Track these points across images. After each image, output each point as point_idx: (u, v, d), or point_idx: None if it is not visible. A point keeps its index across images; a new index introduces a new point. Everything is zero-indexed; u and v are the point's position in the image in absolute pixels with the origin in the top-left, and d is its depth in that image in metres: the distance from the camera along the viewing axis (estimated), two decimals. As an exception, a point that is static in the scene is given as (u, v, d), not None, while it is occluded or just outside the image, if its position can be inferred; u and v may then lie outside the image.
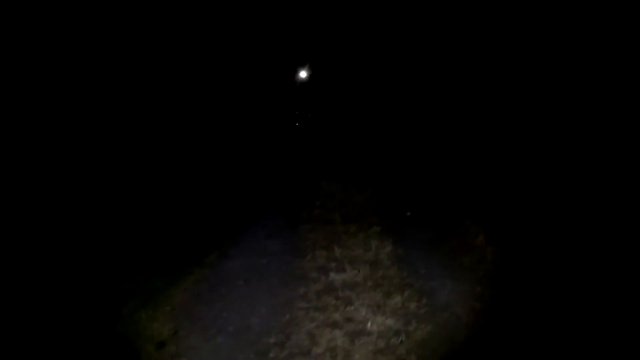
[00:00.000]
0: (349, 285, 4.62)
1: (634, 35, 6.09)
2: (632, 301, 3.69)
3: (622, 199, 5.39)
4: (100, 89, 8.32)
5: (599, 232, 5.12)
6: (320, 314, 4.07)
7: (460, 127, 10.62)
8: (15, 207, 5.65)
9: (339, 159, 12.45)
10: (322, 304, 4.25)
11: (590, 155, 6.41)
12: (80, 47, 8.04)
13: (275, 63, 16.12)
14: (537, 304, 4.07)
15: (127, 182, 7.75)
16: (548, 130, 7.54)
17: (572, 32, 7.28)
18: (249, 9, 13.64)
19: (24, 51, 6.92)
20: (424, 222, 6.83)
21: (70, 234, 5.70)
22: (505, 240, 5.52)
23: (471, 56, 10.55)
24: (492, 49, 9.63)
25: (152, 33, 9.77)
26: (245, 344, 3.71)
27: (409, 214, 7.19)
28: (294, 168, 12.27)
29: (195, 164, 9.95)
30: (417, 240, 5.99)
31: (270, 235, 6.56)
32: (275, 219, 7.41)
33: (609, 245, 4.83)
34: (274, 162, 12.57)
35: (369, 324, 3.84)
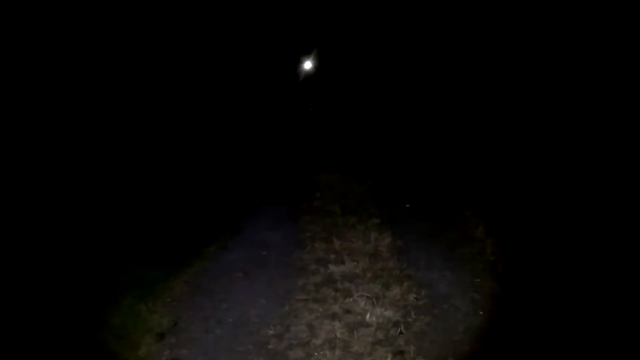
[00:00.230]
0: (348, 277, 4.63)
1: (634, 35, 6.05)
2: (631, 295, 3.69)
3: (622, 190, 5.38)
4: (98, 81, 8.27)
5: (598, 224, 5.12)
6: (320, 305, 4.08)
7: (459, 118, 10.59)
8: (14, 200, 5.64)
9: (338, 150, 12.42)
10: (321, 296, 4.25)
11: (590, 147, 6.39)
12: (80, 47, 8.00)
13: (272, 55, 16.02)
14: (537, 295, 4.08)
15: (126, 174, 7.74)
16: (547, 122, 7.52)
17: (572, 31, 7.24)
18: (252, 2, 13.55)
19: (23, 51, 6.89)
20: (424, 213, 6.83)
21: (69, 226, 5.70)
22: (504, 232, 5.52)
23: (468, 47, 10.49)
24: (493, 43, 9.57)
25: (150, 24, 9.70)
26: (244, 335, 3.73)
27: (408, 205, 7.20)
28: (294, 159, 12.24)
29: (195, 156, 9.93)
30: (416, 231, 6.00)
31: (270, 226, 6.57)
32: (275, 211, 7.41)
33: (608, 237, 4.83)
34: (274, 154, 12.54)
35: (368, 316, 3.85)
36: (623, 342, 3.27)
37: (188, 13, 11.04)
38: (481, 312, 3.90)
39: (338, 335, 3.60)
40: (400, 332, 3.62)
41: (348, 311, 3.97)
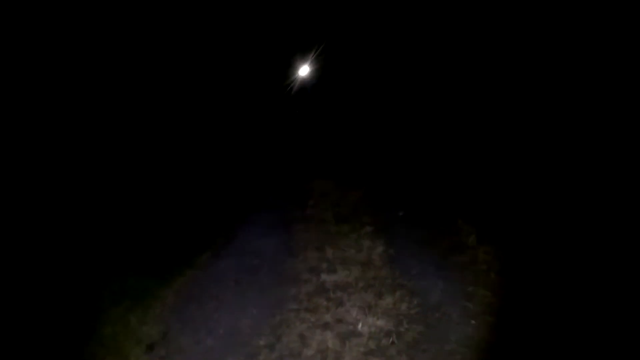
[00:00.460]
0: (340, 286, 4.61)
1: (634, 35, 6.07)
2: (627, 303, 3.70)
3: (615, 201, 5.41)
4: (88, 89, 8.22)
5: (591, 232, 5.14)
6: (311, 315, 4.05)
7: (452, 127, 10.64)
8: (6, 208, 5.58)
9: (332, 157, 12.42)
10: (313, 305, 4.23)
11: (581, 155, 6.43)
12: (80, 47, 7.97)
13: (265, 62, 16.05)
14: (529, 303, 4.08)
15: (117, 182, 7.69)
16: (539, 129, 7.56)
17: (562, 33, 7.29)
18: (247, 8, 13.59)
19: (23, 51, 6.85)
20: (417, 221, 6.82)
21: (60, 234, 5.65)
22: (497, 240, 5.53)
23: (463, 56, 10.57)
24: (482, 51, 9.65)
25: (149, 30, 9.69)
26: (235, 345, 3.69)
27: (401, 213, 7.19)
28: (287, 167, 12.23)
29: (186, 164, 9.89)
30: (409, 239, 5.99)
31: (262, 235, 6.53)
32: (268, 219, 7.37)
33: (601, 245, 4.85)
34: (267, 161, 12.53)
35: (359, 325, 3.83)
36: (617, 350, 3.28)
37: (179, 26, 11.05)
38: (473, 321, 3.89)
39: (330, 345, 3.58)
40: (392, 342, 3.60)
41: (340, 321, 3.95)
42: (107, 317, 4.19)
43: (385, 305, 4.18)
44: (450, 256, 5.38)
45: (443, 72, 11.58)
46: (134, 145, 8.94)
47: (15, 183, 6.03)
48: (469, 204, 6.95)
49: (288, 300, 4.40)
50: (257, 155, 12.73)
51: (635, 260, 4.25)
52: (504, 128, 8.62)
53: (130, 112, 9.22)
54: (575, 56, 7.11)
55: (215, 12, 11.94)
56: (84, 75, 8.19)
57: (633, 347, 3.31)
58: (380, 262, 5.22)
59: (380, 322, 3.87)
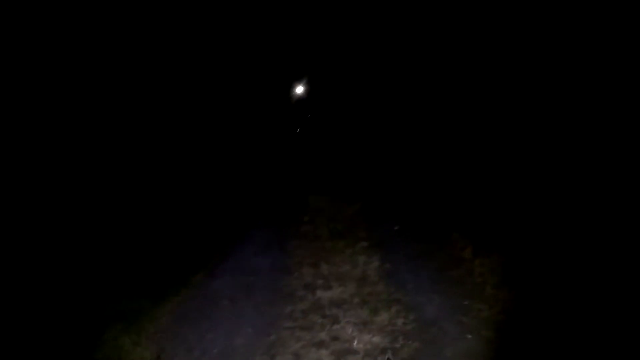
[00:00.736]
0: (336, 302, 4.58)
1: (634, 35, 6.09)
2: (623, 316, 3.68)
3: (607, 211, 5.43)
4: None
5: (587, 244, 5.14)
6: (306, 333, 4.02)
7: (447, 140, 10.70)
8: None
9: (327, 173, 12.46)
10: (309, 323, 4.20)
11: (575, 169, 6.46)
12: (80, 49, 8.02)
13: (262, 80, 16.20)
14: (525, 316, 4.06)
15: (110, 200, 7.66)
16: (534, 143, 7.61)
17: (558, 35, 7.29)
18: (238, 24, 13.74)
19: (24, 51, 6.88)
20: (412, 235, 6.82)
21: (52, 255, 5.61)
22: (492, 252, 5.52)
23: (455, 72, 10.69)
24: (475, 68, 9.78)
25: (144, 50, 9.78)
26: (229, 366, 3.65)
27: (397, 227, 7.18)
28: (283, 183, 12.24)
29: (180, 182, 9.88)
30: (404, 254, 5.97)
31: (257, 252, 6.51)
32: (263, 236, 7.36)
33: (597, 256, 4.85)
34: (262, 177, 12.54)
35: (355, 343, 3.80)
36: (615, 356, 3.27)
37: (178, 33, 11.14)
38: (469, 336, 3.86)
39: (325, 363, 3.54)
40: (388, 359, 3.57)
41: (335, 338, 3.91)
42: (100, 340, 4.14)
43: (381, 321, 4.15)
44: (446, 270, 5.37)
45: (435, 88, 11.70)
46: (129, 162, 8.94)
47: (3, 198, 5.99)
48: (464, 217, 6.95)
49: (283, 318, 4.37)
50: (252, 172, 12.74)
51: (632, 272, 4.25)
52: (499, 140, 8.68)
53: (126, 130, 9.24)
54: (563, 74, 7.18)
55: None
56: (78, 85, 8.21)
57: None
58: (375, 277, 5.20)
59: (375, 339, 3.84)
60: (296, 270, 5.59)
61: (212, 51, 12.80)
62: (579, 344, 3.51)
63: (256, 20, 14.02)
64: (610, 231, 5.08)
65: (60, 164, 7.26)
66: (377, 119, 15.13)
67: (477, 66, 9.77)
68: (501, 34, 8.53)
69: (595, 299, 4.05)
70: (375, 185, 10.46)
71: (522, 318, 4.01)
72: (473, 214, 7.07)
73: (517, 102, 8.36)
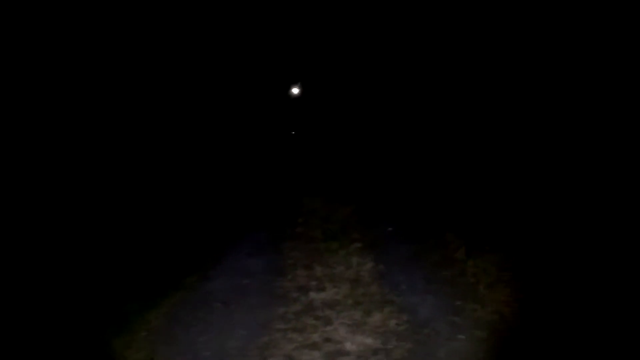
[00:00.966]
0: (329, 304, 4.57)
1: (634, 35, 6.11)
2: (615, 317, 3.69)
3: (599, 214, 5.46)
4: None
5: (578, 243, 5.17)
6: (299, 335, 4.00)
7: (439, 141, 10.73)
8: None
9: (321, 174, 12.46)
10: (301, 325, 4.18)
11: (567, 170, 6.50)
12: (80, 50, 7.98)
13: (256, 81, 16.19)
14: (518, 317, 4.07)
15: (102, 202, 7.62)
16: (525, 144, 7.65)
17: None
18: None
19: (24, 52, 6.84)
20: (406, 235, 6.83)
21: (41, 256, 5.57)
22: (485, 253, 5.54)
23: (449, 76, 10.74)
24: (470, 74, 9.82)
25: (137, 59, 9.76)
26: (221, 369, 3.63)
27: (390, 228, 7.19)
28: (277, 184, 12.22)
29: (174, 184, 9.84)
30: (398, 255, 5.98)
31: (251, 254, 6.49)
32: (257, 237, 7.35)
33: (587, 254, 4.87)
34: (256, 179, 12.52)
35: (348, 344, 3.79)
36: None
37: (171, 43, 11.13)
38: (462, 336, 3.86)
39: (317, 365, 3.53)
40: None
41: (328, 340, 3.90)
42: (91, 341, 4.11)
43: (374, 322, 4.14)
44: (439, 270, 5.38)
45: (426, 91, 11.74)
46: (122, 164, 8.90)
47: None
48: (457, 217, 6.97)
49: (276, 320, 4.35)
50: (247, 174, 12.72)
51: (627, 274, 4.28)
52: (492, 141, 8.72)
53: (118, 131, 9.20)
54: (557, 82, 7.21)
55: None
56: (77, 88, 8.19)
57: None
58: (369, 278, 5.20)
59: (368, 340, 3.83)
60: (290, 271, 5.59)
61: (204, 54, 12.78)
62: (572, 343, 3.52)
63: (247, 22, 14.02)
64: (601, 232, 5.11)
65: (50, 165, 7.22)
66: (370, 120, 15.16)
67: (467, 70, 9.82)
68: (487, 33, 8.56)
69: (588, 298, 4.06)
70: (369, 186, 10.47)
71: (515, 318, 4.02)
72: (466, 215, 7.09)
73: (508, 106, 8.41)
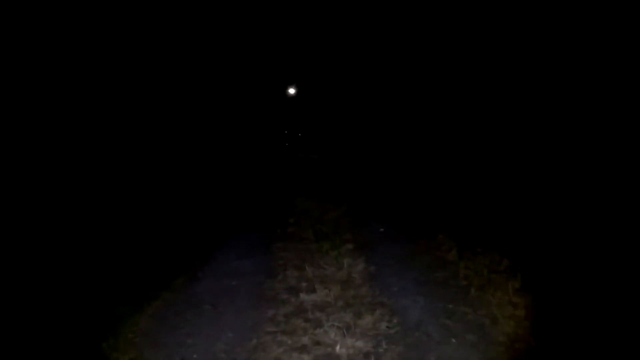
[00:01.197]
0: (319, 306, 4.51)
1: (634, 35, 6.09)
2: (620, 327, 3.67)
3: (591, 216, 5.45)
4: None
5: (570, 245, 5.16)
6: (289, 337, 3.94)
7: (432, 142, 10.72)
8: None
9: (313, 175, 12.40)
10: (291, 327, 4.12)
11: (560, 171, 6.50)
12: (80, 50, 7.87)
13: (250, 84, 16.11)
14: (509, 320, 4.04)
15: (90, 203, 7.51)
16: (518, 145, 7.65)
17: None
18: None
19: (24, 52, 6.73)
20: (397, 237, 6.79)
21: (29, 258, 5.46)
22: (477, 255, 5.51)
23: (439, 80, 10.74)
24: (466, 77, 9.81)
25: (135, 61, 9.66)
26: (209, 372, 3.56)
27: (382, 229, 7.15)
28: (269, 185, 12.14)
29: (164, 184, 9.74)
30: (390, 256, 5.94)
31: (242, 255, 6.41)
32: (248, 238, 7.28)
33: (578, 254, 4.86)
34: (248, 179, 12.43)
35: (338, 347, 3.73)
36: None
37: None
38: (453, 340, 3.82)
39: (306, 369, 3.47)
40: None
41: (318, 343, 3.84)
42: (77, 343, 4.02)
43: (365, 325, 4.09)
44: (431, 272, 5.34)
45: (418, 93, 11.74)
46: (112, 165, 8.79)
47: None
48: (449, 218, 6.95)
49: (265, 322, 4.28)
50: (238, 174, 12.63)
51: (619, 276, 4.27)
52: (484, 142, 8.71)
53: (109, 133, 9.09)
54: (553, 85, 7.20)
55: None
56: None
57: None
58: (360, 279, 5.15)
59: (359, 343, 3.77)
60: (280, 273, 5.51)
61: (197, 56, 12.68)
62: (566, 346, 3.50)
63: (242, 24, 13.95)
64: (593, 233, 5.11)
65: (39, 167, 7.11)
66: (363, 122, 15.14)
67: (457, 74, 9.82)
68: (479, 33, 8.55)
69: (581, 300, 4.05)
70: (360, 187, 10.43)
71: (507, 321, 3.98)
72: (458, 216, 7.07)
73: (499, 109, 8.41)
